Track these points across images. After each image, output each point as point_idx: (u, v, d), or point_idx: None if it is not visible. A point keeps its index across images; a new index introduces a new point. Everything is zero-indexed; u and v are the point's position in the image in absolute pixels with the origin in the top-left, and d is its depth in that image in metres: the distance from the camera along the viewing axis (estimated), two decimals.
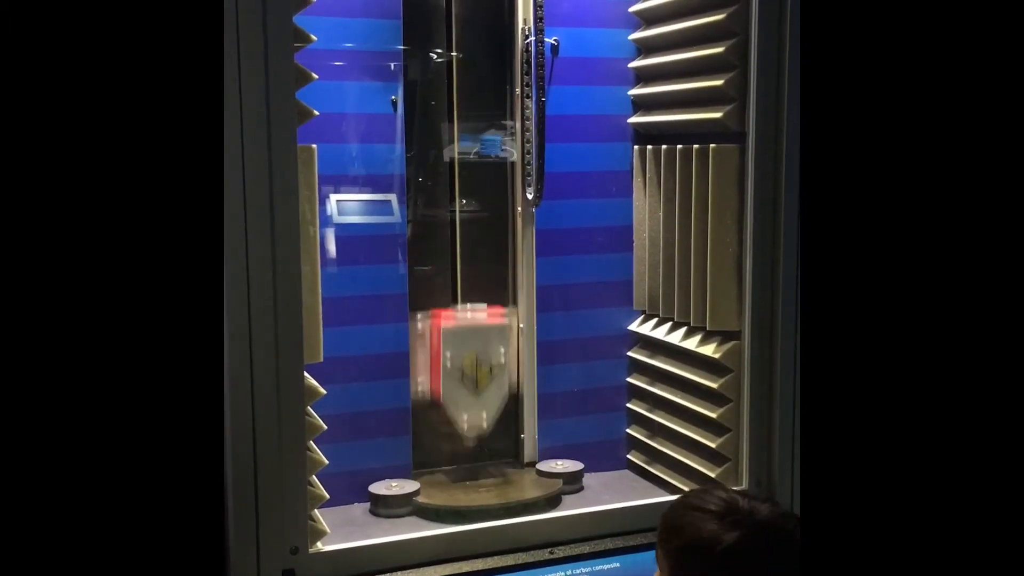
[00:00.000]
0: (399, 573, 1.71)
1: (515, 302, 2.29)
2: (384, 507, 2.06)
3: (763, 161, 1.91)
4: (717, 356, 2.03)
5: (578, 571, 1.82)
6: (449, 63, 2.19)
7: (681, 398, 2.17)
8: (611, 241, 2.33)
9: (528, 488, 2.18)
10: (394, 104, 2.12)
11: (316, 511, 1.72)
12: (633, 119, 2.31)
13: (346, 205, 2.10)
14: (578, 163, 2.28)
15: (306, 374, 1.67)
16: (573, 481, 2.22)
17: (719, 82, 1.97)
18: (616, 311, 2.35)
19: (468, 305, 2.21)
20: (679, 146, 2.14)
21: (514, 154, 2.25)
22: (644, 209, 2.29)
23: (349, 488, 2.06)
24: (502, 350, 2.17)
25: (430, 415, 2.20)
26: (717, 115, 1.98)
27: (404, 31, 2.12)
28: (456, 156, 2.22)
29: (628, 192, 2.33)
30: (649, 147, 2.25)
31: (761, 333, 1.95)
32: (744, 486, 1.99)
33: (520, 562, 1.79)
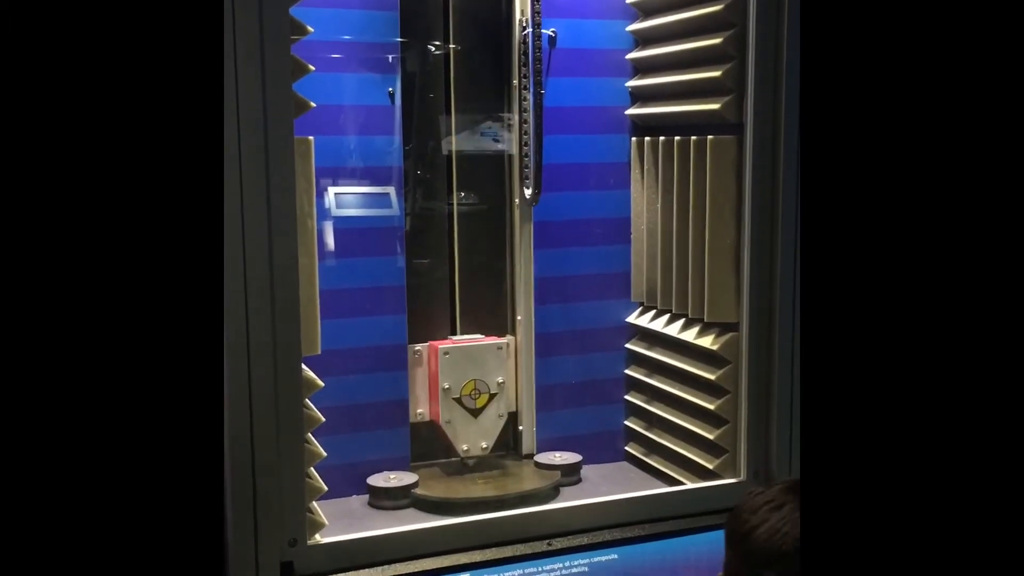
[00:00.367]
0: (397, 565, 1.71)
1: (513, 295, 2.29)
2: (383, 499, 2.06)
3: (761, 152, 1.91)
4: (715, 348, 2.03)
5: (576, 563, 1.82)
6: (447, 55, 2.19)
7: (679, 390, 2.17)
8: (609, 233, 2.33)
9: (526, 480, 2.18)
10: (391, 96, 2.12)
11: (314, 503, 1.72)
12: (631, 111, 2.30)
13: (344, 198, 2.10)
14: (576, 155, 2.27)
15: (304, 366, 1.66)
16: (571, 473, 2.22)
17: (717, 73, 1.96)
18: (614, 303, 2.35)
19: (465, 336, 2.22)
20: (677, 137, 2.13)
21: (511, 145, 2.25)
22: (642, 201, 2.29)
23: (347, 480, 2.07)
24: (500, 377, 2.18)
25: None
26: (715, 106, 1.98)
27: (401, 23, 2.11)
28: (454, 149, 2.21)
29: (626, 184, 2.33)
30: (647, 139, 2.24)
31: (759, 324, 1.95)
32: (742, 478, 1.99)
33: (518, 554, 1.79)
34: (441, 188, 2.23)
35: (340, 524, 1.80)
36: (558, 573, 1.80)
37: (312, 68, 1.67)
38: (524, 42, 2.17)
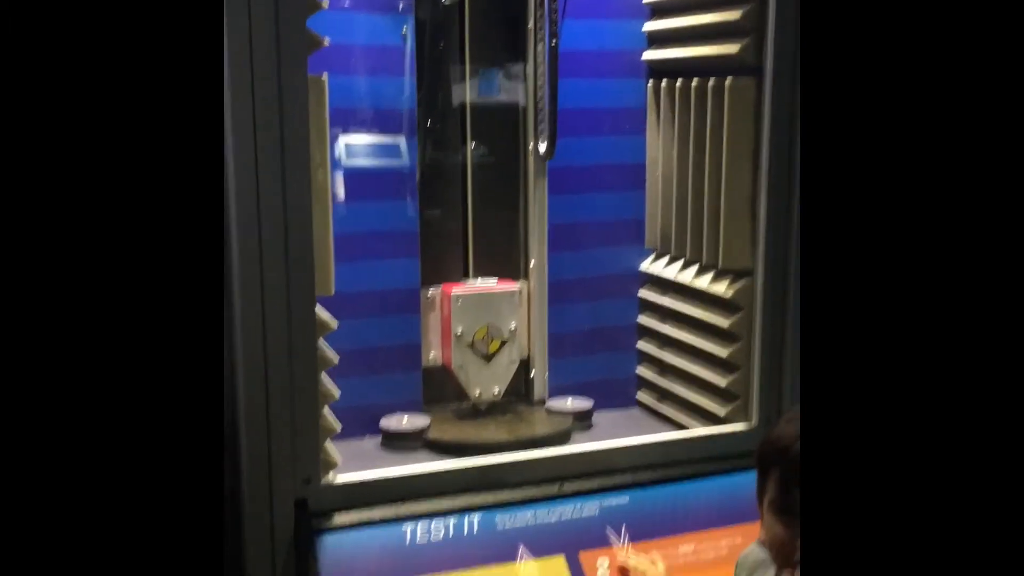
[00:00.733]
0: (410, 502, 1.72)
1: (526, 241, 2.28)
2: (395, 441, 2.07)
3: (780, 96, 1.88)
4: (728, 295, 2.02)
5: (587, 505, 1.83)
6: (461, 1, 2.15)
7: (691, 337, 2.16)
8: (623, 179, 2.31)
9: (538, 425, 2.19)
10: (405, 37, 2.09)
11: (328, 443, 1.73)
12: (647, 54, 2.26)
13: (356, 142, 2.08)
14: (591, 100, 2.24)
15: (318, 306, 1.66)
16: (583, 419, 2.23)
17: (735, 15, 1.92)
18: (627, 250, 2.34)
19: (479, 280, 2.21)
20: (695, 81, 2.10)
21: (525, 98, 2.21)
22: (658, 146, 2.26)
23: (360, 422, 2.08)
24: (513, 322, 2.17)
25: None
26: (733, 49, 1.94)
27: None
28: (467, 100, 2.18)
29: (641, 130, 2.30)
30: (664, 82, 2.21)
31: (775, 271, 1.93)
32: (753, 424, 1.99)
33: (529, 496, 1.80)
34: (454, 139, 2.20)
35: (353, 464, 1.81)
36: (569, 516, 1.81)
37: (325, 4, 1.65)
38: None
